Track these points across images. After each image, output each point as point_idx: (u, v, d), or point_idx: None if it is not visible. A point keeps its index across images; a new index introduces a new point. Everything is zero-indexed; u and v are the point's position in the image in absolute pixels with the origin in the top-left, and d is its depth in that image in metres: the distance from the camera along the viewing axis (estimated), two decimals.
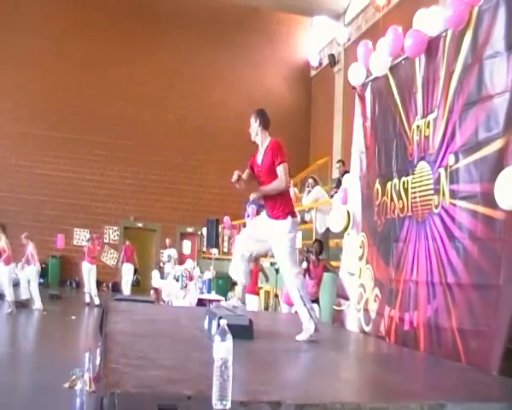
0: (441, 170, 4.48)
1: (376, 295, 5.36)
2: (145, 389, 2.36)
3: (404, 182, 5.08)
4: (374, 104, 5.84)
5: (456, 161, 4.29)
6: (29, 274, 12.14)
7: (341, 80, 16.58)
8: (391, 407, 2.49)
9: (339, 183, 9.77)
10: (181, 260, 15.49)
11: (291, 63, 20.19)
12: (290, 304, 7.53)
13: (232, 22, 18.89)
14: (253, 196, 4.51)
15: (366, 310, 5.51)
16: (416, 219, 4.84)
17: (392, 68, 5.43)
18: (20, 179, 17.27)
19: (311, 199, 9.96)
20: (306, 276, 7.72)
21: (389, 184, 5.33)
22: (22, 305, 11.78)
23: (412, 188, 4.94)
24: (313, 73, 20.09)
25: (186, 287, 11.43)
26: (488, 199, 3.86)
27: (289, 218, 4.43)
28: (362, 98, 6.07)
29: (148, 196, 18.36)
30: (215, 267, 12.58)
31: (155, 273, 13.96)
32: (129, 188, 18.31)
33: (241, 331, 3.66)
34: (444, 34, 4.59)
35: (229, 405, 2.09)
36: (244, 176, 4.67)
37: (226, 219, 15.02)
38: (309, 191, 10.07)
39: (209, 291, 11.76)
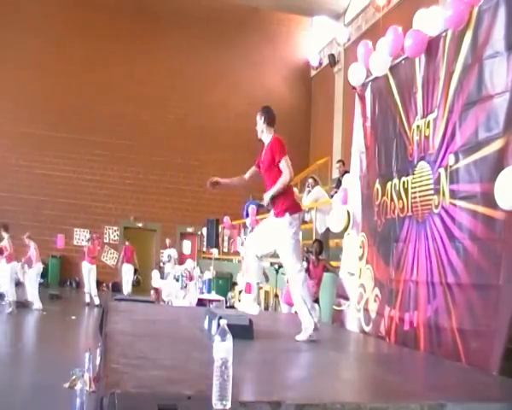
0: (441, 170, 4.48)
1: (376, 295, 5.36)
2: (145, 389, 2.36)
3: (404, 182, 5.07)
4: (374, 104, 5.84)
5: (456, 161, 4.29)
6: (31, 275, 12.16)
7: (341, 80, 16.58)
8: (391, 407, 2.49)
9: (339, 183, 9.77)
10: (181, 260, 15.49)
11: (291, 63, 20.20)
12: (290, 304, 7.54)
13: (232, 22, 18.89)
14: (266, 202, 4.48)
15: (366, 310, 5.51)
16: (416, 219, 4.84)
17: (392, 68, 5.43)
18: (20, 179, 17.27)
19: (311, 199, 9.96)
20: (306, 276, 7.73)
21: (389, 184, 5.33)
22: (22, 305, 11.78)
23: (412, 188, 4.93)
24: (313, 73, 20.09)
25: (186, 287, 11.43)
26: (488, 199, 3.86)
27: (287, 215, 4.45)
28: (362, 98, 6.07)
29: (148, 196, 18.37)
30: (215, 267, 12.58)
31: (155, 273, 13.95)
32: (129, 188, 18.31)
33: (241, 331, 3.66)
34: (444, 34, 4.58)
35: (229, 405, 2.09)
36: (247, 175, 4.82)
37: (226, 219, 15.02)
38: (309, 191, 10.07)
39: (209, 291, 11.75)
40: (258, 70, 19.40)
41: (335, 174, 12.67)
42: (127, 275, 15.83)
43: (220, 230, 15.52)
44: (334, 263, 7.76)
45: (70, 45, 17.77)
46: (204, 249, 16.64)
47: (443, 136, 4.49)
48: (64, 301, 14.36)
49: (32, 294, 12.04)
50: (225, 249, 15.58)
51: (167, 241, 16.29)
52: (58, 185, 17.65)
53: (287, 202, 4.50)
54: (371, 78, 5.84)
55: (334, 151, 16.77)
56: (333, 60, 17.62)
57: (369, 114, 5.93)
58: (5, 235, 11.69)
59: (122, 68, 18.12)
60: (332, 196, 8.82)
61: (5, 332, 10.02)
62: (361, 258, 5.78)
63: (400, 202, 5.11)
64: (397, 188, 5.19)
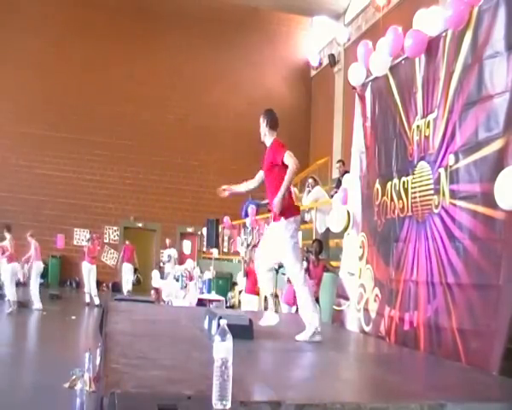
0: (441, 170, 4.47)
1: (376, 295, 5.36)
2: (145, 389, 2.36)
3: (404, 182, 5.07)
4: (374, 104, 5.83)
5: (456, 161, 4.29)
6: (31, 273, 12.18)
7: (341, 80, 16.58)
8: (391, 407, 2.49)
9: (339, 183, 9.78)
10: (181, 260, 15.49)
11: (291, 63, 20.20)
12: (290, 304, 7.55)
13: (232, 22, 18.90)
14: (277, 209, 4.43)
15: (366, 310, 5.51)
16: (416, 219, 4.84)
17: (392, 68, 5.43)
18: (20, 179, 17.27)
19: (311, 199, 9.96)
20: (306, 276, 7.73)
21: (389, 184, 5.33)
22: (22, 305, 11.79)
23: (412, 188, 4.93)
24: (313, 73, 20.09)
25: (186, 287, 11.44)
26: (488, 199, 3.86)
27: (282, 219, 4.49)
28: (362, 98, 6.07)
29: (148, 196, 18.37)
30: (215, 267, 12.59)
31: (155, 273, 13.97)
32: (129, 188, 18.31)
33: (241, 331, 3.66)
34: (444, 34, 4.58)
35: (229, 405, 2.09)
36: (256, 179, 4.89)
37: (226, 219, 15.02)
38: (309, 191, 10.07)
39: (209, 291, 11.76)
40: (258, 70, 19.40)
41: (335, 174, 12.68)
42: (127, 274, 15.85)
43: (220, 230, 15.52)
44: (334, 263, 7.76)
45: (70, 45, 17.77)
46: (204, 249, 16.64)
47: (443, 136, 4.49)
48: (64, 301, 14.36)
49: (33, 293, 12.05)
50: (225, 249, 15.58)
51: (167, 241, 16.30)
52: (58, 185, 17.64)
53: (283, 207, 4.50)
54: (371, 78, 5.84)
55: (334, 151, 16.78)
56: (333, 60, 17.62)
57: (369, 114, 5.93)
58: (7, 235, 11.75)
59: (122, 68, 18.12)
60: (332, 196, 8.82)
61: (5, 332, 10.02)
62: (361, 258, 5.78)
63: (400, 202, 5.11)
64: (397, 188, 5.18)
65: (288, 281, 7.79)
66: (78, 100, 17.69)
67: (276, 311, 4.55)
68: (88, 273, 13.82)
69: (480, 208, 3.98)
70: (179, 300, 10.90)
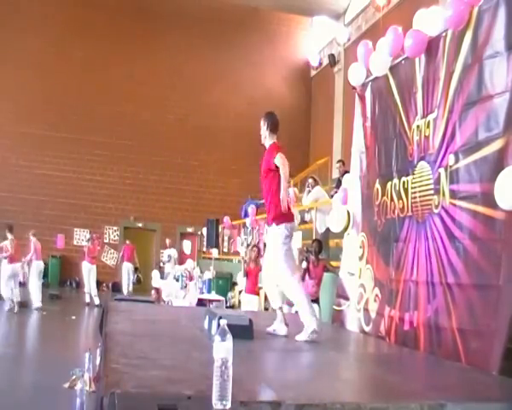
0: (441, 170, 4.47)
1: (376, 295, 5.36)
2: (145, 389, 2.35)
3: (404, 182, 5.07)
4: (374, 104, 5.83)
5: (456, 161, 4.29)
6: (30, 272, 12.20)
7: (341, 80, 16.58)
8: (391, 407, 2.49)
9: (339, 183, 9.77)
10: (181, 260, 15.49)
11: (291, 63, 20.20)
12: (290, 304, 7.54)
13: (232, 22, 18.90)
14: (284, 203, 4.40)
15: (366, 310, 5.51)
16: (416, 219, 4.84)
17: (392, 68, 5.43)
18: (20, 179, 17.27)
19: (311, 199, 9.96)
20: (306, 276, 7.73)
21: (389, 184, 5.33)
22: (22, 305, 11.78)
23: (412, 188, 4.93)
24: (313, 73, 20.09)
25: (186, 287, 11.43)
26: (488, 199, 3.86)
27: (273, 225, 4.53)
28: (362, 98, 6.07)
29: (148, 196, 18.37)
30: (215, 267, 12.58)
31: (155, 273, 13.97)
32: (129, 188, 18.31)
33: (241, 331, 3.66)
34: (444, 34, 4.58)
35: (229, 405, 2.09)
36: None
37: (226, 219, 15.03)
38: (309, 191, 10.07)
39: (209, 291, 11.76)
40: (258, 70, 19.40)
41: (335, 174, 12.68)
42: (127, 274, 15.86)
43: (220, 230, 15.52)
44: (334, 263, 7.76)
45: (70, 45, 17.77)
46: (204, 249, 16.64)
47: (443, 136, 4.49)
48: (64, 301, 14.37)
49: (32, 292, 12.06)
50: (225, 249, 15.58)
51: (167, 241, 16.31)
52: (58, 185, 17.64)
53: (275, 212, 4.54)
54: (371, 78, 5.83)
55: (334, 151, 16.77)
56: (333, 60, 17.62)
57: (369, 114, 5.93)
58: (9, 236, 11.76)
59: (122, 68, 18.12)
60: (332, 196, 8.82)
61: (5, 332, 10.02)
62: (361, 258, 5.78)
63: (400, 202, 5.11)
64: (397, 188, 5.18)
65: None
66: (78, 100, 17.69)
67: (286, 324, 4.51)
68: (88, 273, 13.82)
69: (480, 208, 3.98)
70: (179, 300, 10.90)
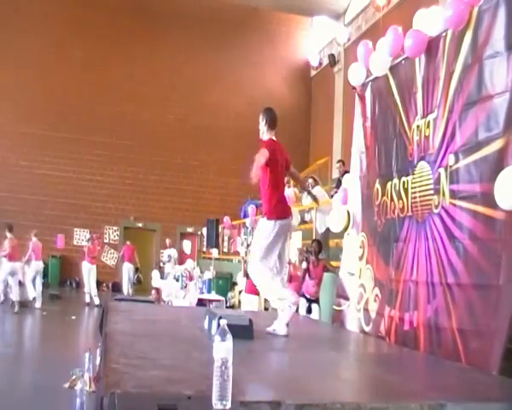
0: (441, 170, 4.47)
1: (376, 295, 5.36)
2: (145, 389, 2.35)
3: (404, 182, 5.07)
4: (374, 104, 5.83)
5: (456, 161, 4.29)
6: (28, 272, 12.22)
7: (341, 80, 16.59)
8: (391, 407, 2.49)
9: (339, 183, 9.78)
10: (181, 260, 15.50)
11: (291, 63, 20.20)
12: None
13: (232, 22, 18.90)
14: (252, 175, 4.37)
15: (366, 310, 5.51)
16: (416, 219, 4.84)
17: (392, 68, 5.43)
18: (20, 179, 17.28)
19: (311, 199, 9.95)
20: (306, 276, 7.73)
21: (389, 184, 5.32)
22: (22, 305, 11.79)
23: (412, 188, 4.93)
24: (313, 73, 20.10)
25: (186, 287, 11.44)
26: (488, 199, 3.86)
27: (265, 218, 4.60)
28: (362, 98, 6.07)
29: (148, 196, 18.37)
30: (215, 267, 12.59)
31: (155, 273, 13.98)
32: (129, 188, 18.32)
33: (241, 331, 3.66)
34: (444, 34, 4.58)
35: (229, 405, 2.09)
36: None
37: (226, 219, 15.03)
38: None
39: (209, 291, 11.76)
40: (258, 70, 19.41)
41: (335, 174, 12.68)
42: (127, 274, 15.86)
43: (220, 230, 15.53)
44: (334, 263, 7.77)
45: (70, 45, 17.77)
46: (204, 249, 16.65)
47: (443, 136, 4.49)
48: (64, 301, 14.37)
49: (29, 290, 12.09)
50: (225, 249, 15.59)
51: (167, 241, 16.30)
52: (58, 185, 17.65)
53: (266, 207, 4.62)
54: (371, 78, 5.83)
55: (334, 151, 16.78)
56: (333, 60, 17.63)
57: (369, 114, 5.93)
58: (8, 235, 11.77)
59: (122, 68, 18.13)
60: (332, 196, 8.82)
61: (5, 332, 10.02)
62: (361, 258, 5.77)
63: (400, 202, 5.11)
64: (397, 188, 5.18)
65: (288, 281, 7.80)
66: (78, 100, 17.69)
67: (286, 324, 4.50)
68: (88, 273, 13.82)
69: (480, 208, 3.98)
70: (179, 300, 10.90)
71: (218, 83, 18.84)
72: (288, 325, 4.45)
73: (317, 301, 7.71)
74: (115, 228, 18.56)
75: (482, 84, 4.06)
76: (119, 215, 18.43)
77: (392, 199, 5.26)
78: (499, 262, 3.75)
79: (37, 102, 17.40)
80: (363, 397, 2.88)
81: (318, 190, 10.06)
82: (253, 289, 9.18)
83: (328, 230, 8.46)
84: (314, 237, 8.96)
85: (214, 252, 13.71)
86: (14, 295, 11.50)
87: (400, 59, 5.27)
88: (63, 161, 17.76)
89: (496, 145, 3.87)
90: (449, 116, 4.43)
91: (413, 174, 4.93)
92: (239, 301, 10.98)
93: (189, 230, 18.79)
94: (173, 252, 15.52)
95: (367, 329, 5.45)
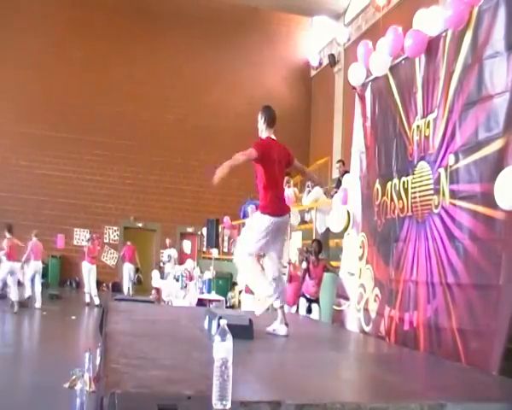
0: (441, 170, 4.47)
1: (376, 295, 5.36)
2: (145, 389, 2.35)
3: (404, 182, 5.07)
4: (374, 104, 5.83)
5: (456, 161, 4.29)
6: (27, 271, 12.23)
7: (341, 80, 16.59)
8: (391, 407, 2.49)
9: (339, 183, 9.78)
10: (181, 260, 15.50)
11: (291, 63, 20.20)
12: (290, 304, 7.54)
13: (232, 22, 18.90)
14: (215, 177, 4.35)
15: (366, 310, 5.51)
16: (416, 219, 4.84)
17: (392, 68, 5.43)
18: (20, 179, 17.28)
19: (311, 199, 9.97)
20: (306, 276, 7.73)
21: (389, 184, 5.32)
22: (22, 305, 11.80)
23: (412, 188, 4.93)
24: (313, 73, 20.10)
25: (186, 287, 11.44)
26: (488, 199, 3.86)
27: (258, 211, 4.62)
28: (362, 98, 6.07)
29: (148, 196, 18.37)
30: (215, 267, 12.58)
31: (155, 273, 13.98)
32: (129, 188, 18.32)
33: (241, 331, 3.66)
34: (444, 34, 4.58)
35: (229, 405, 2.09)
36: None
37: (226, 219, 15.03)
38: (309, 191, 10.09)
39: (209, 291, 11.76)
40: (258, 70, 19.41)
41: (335, 174, 12.68)
42: (128, 274, 15.87)
43: (220, 230, 15.53)
44: (334, 263, 7.76)
45: (70, 45, 17.77)
46: (204, 249, 16.64)
47: (443, 136, 4.49)
48: (64, 301, 14.37)
49: (27, 290, 12.10)
50: (225, 249, 15.58)
51: (167, 241, 16.30)
52: (58, 185, 17.65)
53: (261, 202, 4.64)
54: (371, 78, 5.83)
55: (334, 151, 16.78)
56: (333, 60, 17.63)
57: (369, 114, 5.92)
58: (7, 235, 11.79)
59: (122, 68, 18.13)
60: (332, 196, 8.82)
61: (5, 332, 10.02)
62: (361, 258, 5.77)
63: (400, 202, 5.11)
64: (397, 188, 5.18)
65: (288, 281, 7.80)
66: (78, 100, 17.69)
67: (286, 324, 4.49)
68: (88, 273, 13.83)
69: (480, 208, 3.98)
70: (179, 300, 10.90)
71: (217, 83, 18.84)
72: (287, 324, 4.45)
73: (317, 301, 7.71)
74: (115, 228, 18.56)
75: (482, 84, 4.06)
76: (119, 215, 18.43)
77: (392, 199, 5.26)
78: (499, 262, 3.75)
79: (37, 102, 17.40)
80: (363, 397, 2.88)
81: (318, 190, 10.08)
82: None
83: (328, 230, 8.46)
84: (314, 237, 8.96)
85: (214, 252, 13.72)
86: (14, 295, 11.50)
87: (400, 59, 5.27)
88: (63, 161, 17.77)
89: (496, 145, 3.87)
90: (449, 116, 4.43)
91: (413, 174, 4.92)
92: (239, 301, 10.98)
93: (189, 230, 18.79)
94: (173, 252, 15.52)
95: (367, 329, 5.45)
